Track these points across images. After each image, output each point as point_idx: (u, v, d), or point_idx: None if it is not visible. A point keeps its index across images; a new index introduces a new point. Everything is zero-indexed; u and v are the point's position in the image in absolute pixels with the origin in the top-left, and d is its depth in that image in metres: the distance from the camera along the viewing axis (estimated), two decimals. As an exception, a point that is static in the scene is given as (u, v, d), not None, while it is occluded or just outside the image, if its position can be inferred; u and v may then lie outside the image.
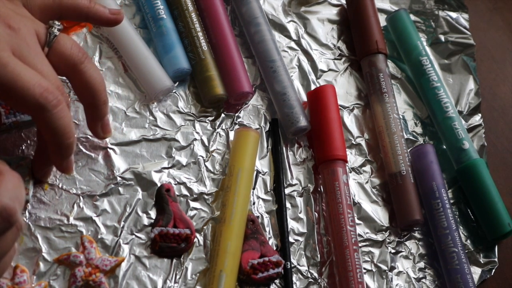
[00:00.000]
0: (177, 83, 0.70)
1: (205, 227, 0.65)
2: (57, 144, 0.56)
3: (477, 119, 0.76)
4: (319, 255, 0.66)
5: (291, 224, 0.67)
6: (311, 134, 0.71)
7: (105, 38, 0.69)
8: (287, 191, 0.68)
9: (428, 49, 0.78)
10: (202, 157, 0.67)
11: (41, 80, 0.53)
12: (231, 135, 0.69)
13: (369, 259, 0.68)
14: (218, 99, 0.69)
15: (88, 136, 0.65)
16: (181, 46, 0.70)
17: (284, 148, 0.70)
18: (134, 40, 0.68)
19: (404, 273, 0.68)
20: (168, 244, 0.62)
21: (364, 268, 0.67)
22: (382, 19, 0.78)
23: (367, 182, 0.71)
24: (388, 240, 0.69)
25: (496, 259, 0.71)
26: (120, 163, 0.65)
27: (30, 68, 0.53)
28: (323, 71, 0.75)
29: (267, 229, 0.66)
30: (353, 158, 0.72)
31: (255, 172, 0.68)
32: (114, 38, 0.69)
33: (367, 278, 0.67)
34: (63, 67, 0.57)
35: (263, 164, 0.69)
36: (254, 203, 0.67)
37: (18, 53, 0.54)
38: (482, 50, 0.81)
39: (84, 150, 0.65)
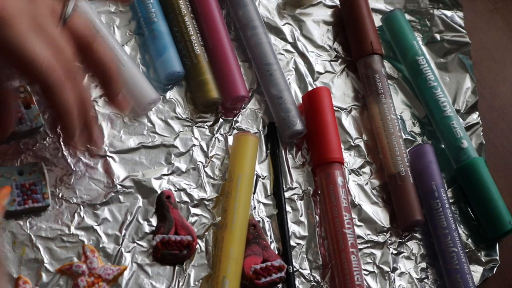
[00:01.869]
0: (174, 88, 0.70)
1: (206, 233, 0.65)
2: (62, 123, 0.58)
3: (474, 117, 0.76)
4: (321, 258, 0.67)
5: (292, 227, 0.67)
6: (308, 136, 0.71)
7: None
8: (287, 194, 0.68)
9: (424, 48, 0.78)
10: (202, 162, 0.67)
11: (51, 58, 0.54)
12: (230, 140, 0.69)
13: (371, 261, 0.68)
14: (212, 103, 0.69)
15: (87, 146, 0.65)
16: (174, 49, 0.70)
17: (283, 152, 0.70)
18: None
19: (407, 273, 0.68)
20: (170, 251, 0.62)
21: (367, 270, 0.67)
22: (377, 19, 0.78)
23: (367, 184, 0.71)
24: (389, 241, 0.69)
25: (497, 257, 0.71)
26: (119, 171, 0.65)
27: (45, 43, 0.54)
28: (320, 73, 0.75)
29: (268, 233, 0.66)
30: (352, 160, 0.72)
31: (255, 177, 0.68)
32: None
33: (369, 280, 0.67)
34: (75, 44, 0.58)
35: (262, 168, 0.69)
36: (254, 208, 0.67)
37: (34, 25, 0.54)
38: (482, 50, 0.81)
39: (83, 158, 0.65)
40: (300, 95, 0.73)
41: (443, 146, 0.74)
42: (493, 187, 0.70)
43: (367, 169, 0.72)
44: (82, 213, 0.63)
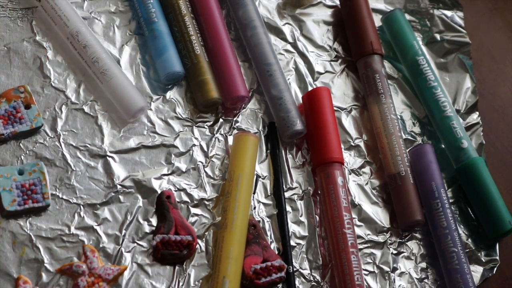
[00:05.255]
0: (174, 88, 0.70)
1: (206, 233, 0.65)
2: None
3: (474, 117, 0.76)
4: (321, 258, 0.67)
5: (292, 227, 0.67)
6: (308, 136, 0.71)
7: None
8: (287, 194, 0.68)
9: (424, 48, 0.78)
10: (202, 162, 0.67)
11: None
12: (230, 140, 0.69)
13: (371, 261, 0.68)
14: (212, 103, 0.69)
15: (87, 145, 0.65)
16: (174, 49, 0.69)
17: (283, 152, 0.70)
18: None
19: (407, 273, 0.68)
20: (170, 251, 0.62)
21: (367, 270, 0.67)
22: (377, 19, 0.78)
23: (367, 184, 0.71)
24: (389, 241, 0.69)
25: (497, 257, 0.71)
26: (119, 171, 0.65)
27: None
28: (320, 73, 0.75)
29: (268, 233, 0.66)
30: (352, 160, 0.72)
31: (255, 177, 0.68)
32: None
33: (369, 280, 0.67)
34: None
35: (262, 168, 0.69)
36: (254, 208, 0.67)
37: None
38: (482, 50, 0.81)
39: (83, 158, 0.65)
40: (300, 95, 0.73)
41: (443, 146, 0.74)
42: (493, 187, 0.70)
43: (367, 169, 0.72)
44: (82, 213, 0.63)
